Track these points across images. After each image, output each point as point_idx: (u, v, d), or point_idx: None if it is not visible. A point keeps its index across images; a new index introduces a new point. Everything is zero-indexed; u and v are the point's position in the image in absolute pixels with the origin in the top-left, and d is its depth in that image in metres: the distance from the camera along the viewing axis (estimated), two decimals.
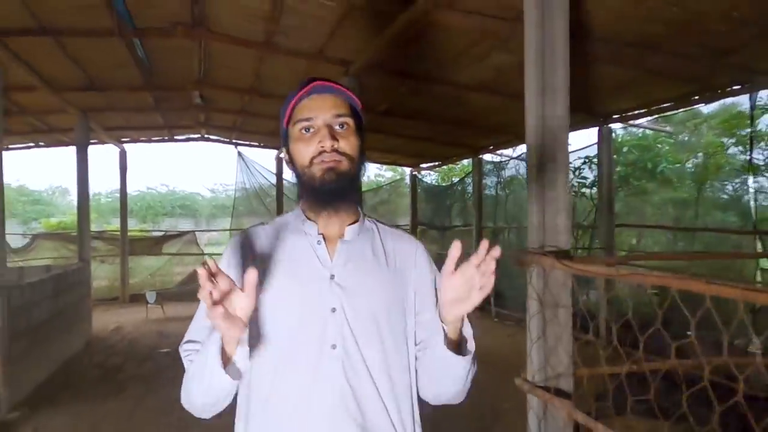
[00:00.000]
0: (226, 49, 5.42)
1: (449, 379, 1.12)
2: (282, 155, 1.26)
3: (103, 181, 45.95)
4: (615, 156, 7.44)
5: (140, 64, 5.74)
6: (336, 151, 1.10)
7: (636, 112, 6.14)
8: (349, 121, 1.14)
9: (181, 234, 12.22)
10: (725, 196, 7.96)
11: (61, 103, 6.51)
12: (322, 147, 1.10)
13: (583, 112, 6.22)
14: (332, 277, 1.12)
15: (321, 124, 1.12)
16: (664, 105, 5.71)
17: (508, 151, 10.17)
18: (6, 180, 4.75)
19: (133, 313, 9.29)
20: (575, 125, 6.98)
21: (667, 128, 8.69)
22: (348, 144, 1.12)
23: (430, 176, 13.40)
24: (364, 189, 12.31)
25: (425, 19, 4.00)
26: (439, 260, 1.07)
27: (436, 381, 1.15)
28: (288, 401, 1.07)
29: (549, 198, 2.24)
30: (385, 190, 14.72)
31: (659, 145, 8.88)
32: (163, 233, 12.75)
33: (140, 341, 7.32)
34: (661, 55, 4.38)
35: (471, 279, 0.96)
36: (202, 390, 1.02)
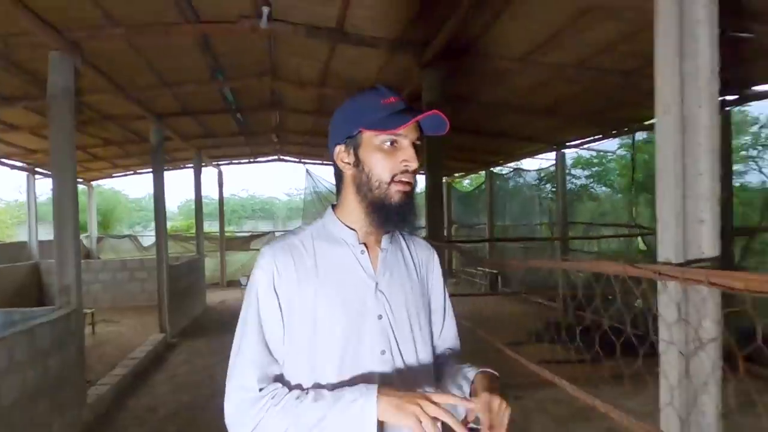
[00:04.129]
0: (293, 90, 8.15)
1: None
2: (341, 152, 1.16)
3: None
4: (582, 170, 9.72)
5: (234, 118, 8.68)
6: (414, 172, 1.13)
7: (579, 141, 8.48)
8: (421, 143, 1.14)
9: (264, 234, 15.48)
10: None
11: (187, 145, 9.69)
12: (406, 166, 1.11)
13: (542, 142, 8.61)
14: (377, 284, 1.15)
15: (408, 143, 1.11)
16: (597, 137, 8.03)
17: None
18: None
19: (231, 293, 12.47)
20: (538, 151, 9.39)
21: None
22: (419, 166, 1.13)
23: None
24: None
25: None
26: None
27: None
28: None
29: (692, 194, 1.76)
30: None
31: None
32: (249, 233, 16.11)
33: (239, 308, 10.40)
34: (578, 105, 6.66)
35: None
36: (323, 426, 0.99)
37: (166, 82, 6.12)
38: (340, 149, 1.17)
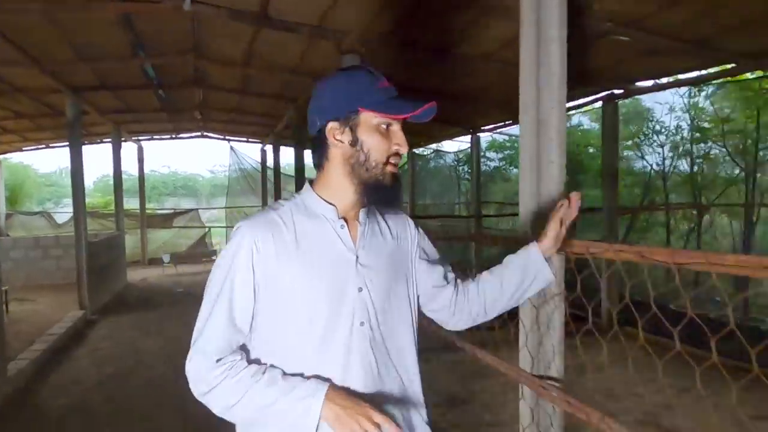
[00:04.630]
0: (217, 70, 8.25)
1: (531, 287, 1.45)
2: (335, 129, 1.17)
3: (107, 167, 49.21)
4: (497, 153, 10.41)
5: (156, 94, 8.58)
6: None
7: (492, 126, 9.10)
8: None
9: (186, 211, 15.27)
10: None
11: (105, 120, 9.45)
12: (398, 149, 1.17)
13: (459, 126, 9.16)
14: (357, 257, 1.19)
15: (399, 128, 1.18)
16: (508, 122, 8.67)
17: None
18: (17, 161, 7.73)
19: (153, 271, 12.31)
20: (455, 134, 9.95)
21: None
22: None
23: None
24: None
25: None
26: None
27: (504, 296, 1.41)
28: (327, 377, 1.12)
29: (545, 179, 2.21)
30: None
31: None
32: (172, 211, 15.84)
33: (161, 285, 10.39)
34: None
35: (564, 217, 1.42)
36: (267, 412, 1.07)
37: (84, 57, 6.04)
38: (333, 126, 1.18)
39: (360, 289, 1.18)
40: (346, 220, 1.21)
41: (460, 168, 11.53)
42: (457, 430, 3.84)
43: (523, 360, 2.30)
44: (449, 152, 12.23)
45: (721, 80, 5.77)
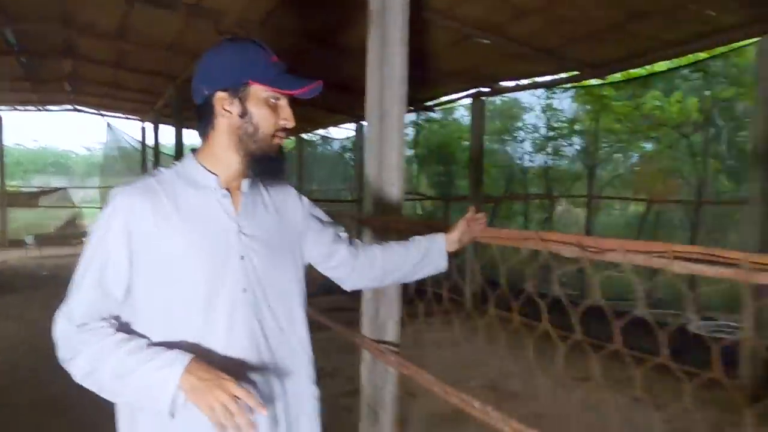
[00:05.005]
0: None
1: (425, 269, 1.57)
2: (223, 99, 1.17)
3: None
4: None
5: (18, 61, 7.92)
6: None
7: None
8: None
9: (55, 190, 14.18)
10: None
11: None
12: (286, 124, 1.21)
13: (344, 114, 9.42)
14: (239, 227, 1.19)
15: (286, 103, 1.22)
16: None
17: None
18: None
19: (14, 253, 11.37)
20: (341, 121, 10.19)
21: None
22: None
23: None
24: None
25: None
26: None
27: (402, 270, 1.54)
28: (212, 346, 1.13)
29: (385, 166, 2.47)
30: None
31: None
32: (38, 189, 14.62)
33: (24, 269, 9.67)
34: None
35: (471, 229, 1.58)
36: (125, 381, 1.04)
37: None
38: (222, 96, 1.17)
39: (242, 257, 1.18)
40: (229, 191, 1.21)
41: (347, 155, 11.82)
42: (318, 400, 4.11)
43: (365, 327, 2.59)
44: (336, 139, 12.47)
45: (569, 85, 6.52)
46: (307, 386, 1.34)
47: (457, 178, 9.20)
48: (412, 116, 10.35)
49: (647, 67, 6.13)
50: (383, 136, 2.52)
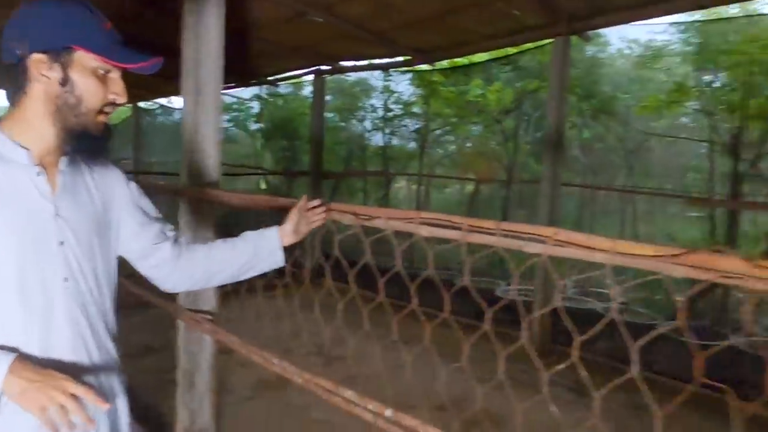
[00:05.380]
0: None
1: (258, 266, 1.45)
2: (41, 63, 1.03)
3: None
4: None
5: None
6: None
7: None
8: None
9: None
10: None
11: None
12: (116, 99, 1.10)
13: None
14: (56, 209, 1.08)
15: (119, 76, 1.10)
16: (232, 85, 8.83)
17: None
18: None
19: None
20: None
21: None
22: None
23: None
24: None
25: None
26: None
27: (230, 270, 1.42)
28: (30, 340, 1.04)
29: (203, 137, 2.49)
30: None
31: None
32: None
33: None
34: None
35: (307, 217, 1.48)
36: None
37: None
38: (39, 58, 1.03)
39: (61, 243, 1.09)
40: (44, 167, 1.09)
41: None
42: (145, 374, 4.04)
43: (181, 297, 2.64)
44: (178, 108, 11.78)
45: (402, 69, 6.92)
46: (117, 383, 1.27)
47: (301, 153, 9.29)
48: (255, 90, 10.18)
49: (469, 57, 6.74)
50: (199, 110, 2.56)
